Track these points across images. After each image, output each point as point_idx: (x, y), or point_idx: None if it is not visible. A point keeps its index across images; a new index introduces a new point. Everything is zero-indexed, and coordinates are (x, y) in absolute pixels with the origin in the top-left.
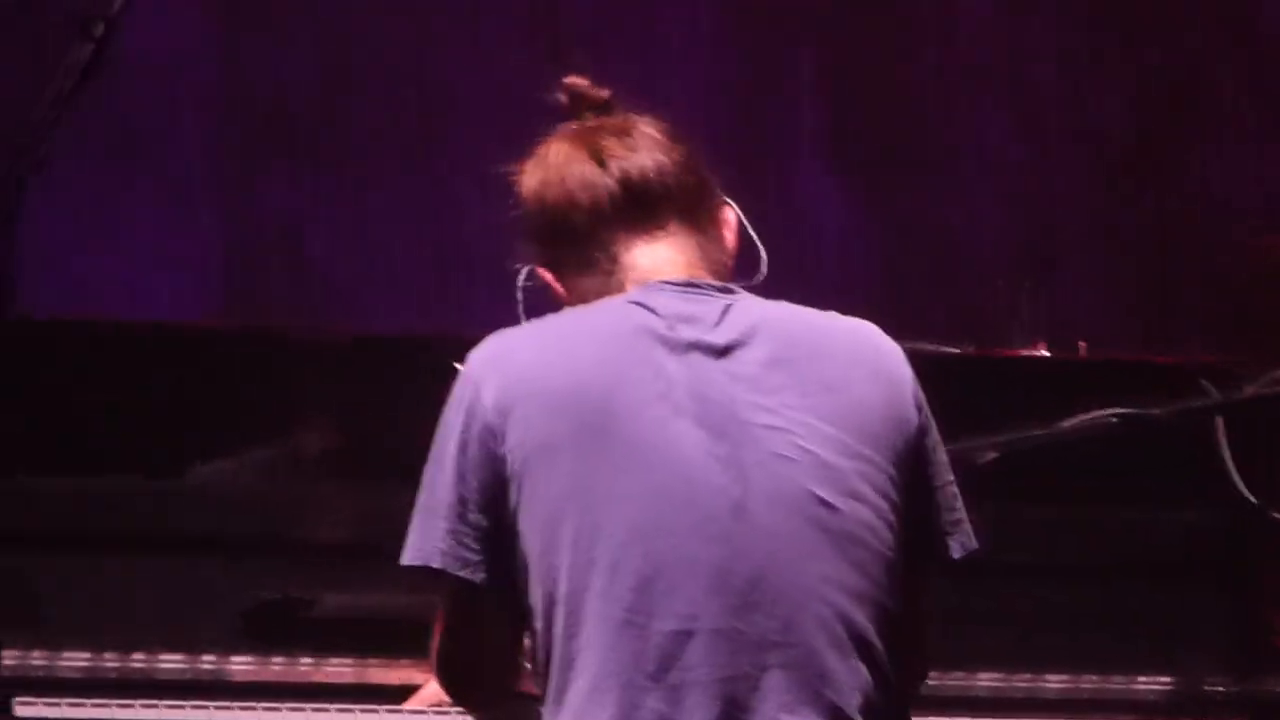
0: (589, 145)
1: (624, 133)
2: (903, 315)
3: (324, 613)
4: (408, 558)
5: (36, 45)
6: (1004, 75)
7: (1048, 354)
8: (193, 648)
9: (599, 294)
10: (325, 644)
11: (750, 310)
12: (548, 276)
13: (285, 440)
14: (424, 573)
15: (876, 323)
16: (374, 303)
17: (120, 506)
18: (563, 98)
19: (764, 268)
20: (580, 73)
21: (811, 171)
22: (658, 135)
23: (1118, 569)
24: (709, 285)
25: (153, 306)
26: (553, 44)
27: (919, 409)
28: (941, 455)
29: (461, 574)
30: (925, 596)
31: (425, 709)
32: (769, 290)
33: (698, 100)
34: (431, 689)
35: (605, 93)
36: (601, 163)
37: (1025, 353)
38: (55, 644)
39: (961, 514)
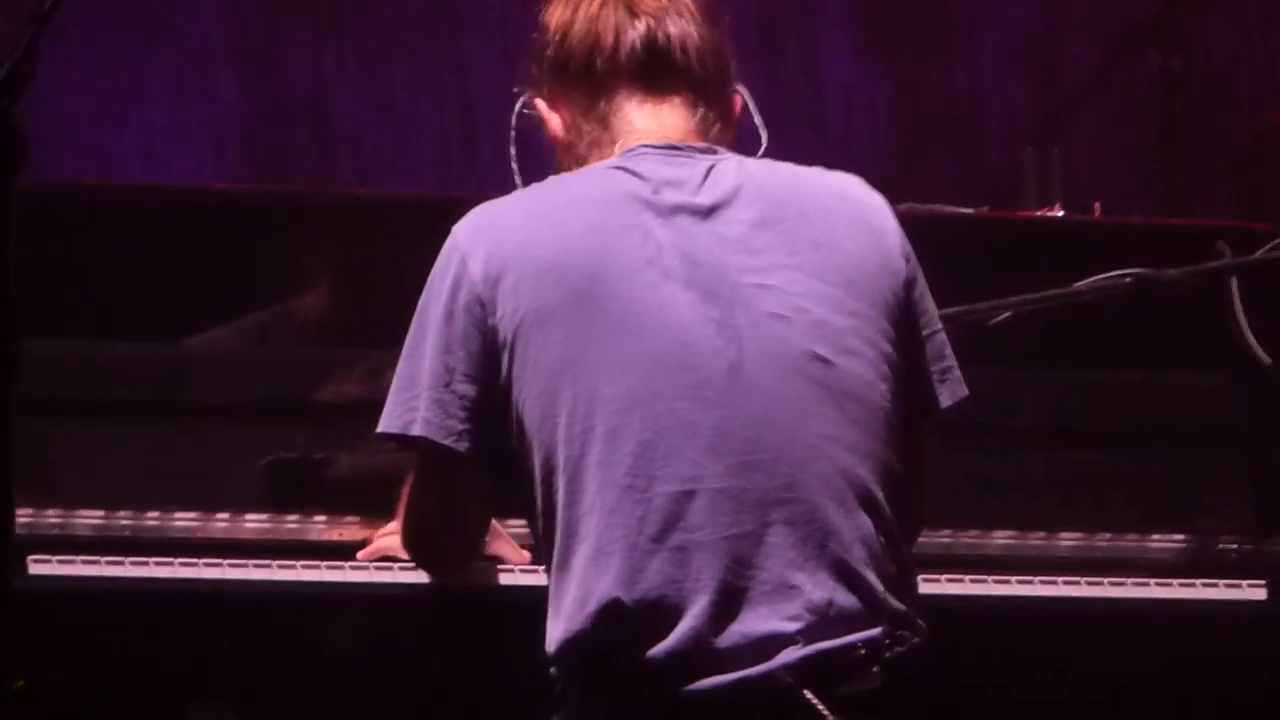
0: None
1: None
2: (920, 182)
3: (339, 473)
4: (389, 425)
5: None
6: None
7: (1062, 215)
8: (206, 507)
9: (590, 141)
10: (339, 504)
11: (733, 170)
12: (544, 109)
13: (301, 304)
14: (405, 440)
15: (895, 189)
16: (397, 173)
17: (137, 370)
18: None
19: (762, 153)
20: None
21: (834, 41)
22: (694, 8)
23: (1133, 433)
24: (689, 147)
25: (171, 178)
26: None
27: (906, 260)
28: (930, 305)
29: (445, 442)
30: (925, 450)
31: None
32: (785, 158)
33: None
34: (384, 542)
35: None
36: (634, 13)
37: (1040, 214)
38: (69, 504)
39: (951, 363)
